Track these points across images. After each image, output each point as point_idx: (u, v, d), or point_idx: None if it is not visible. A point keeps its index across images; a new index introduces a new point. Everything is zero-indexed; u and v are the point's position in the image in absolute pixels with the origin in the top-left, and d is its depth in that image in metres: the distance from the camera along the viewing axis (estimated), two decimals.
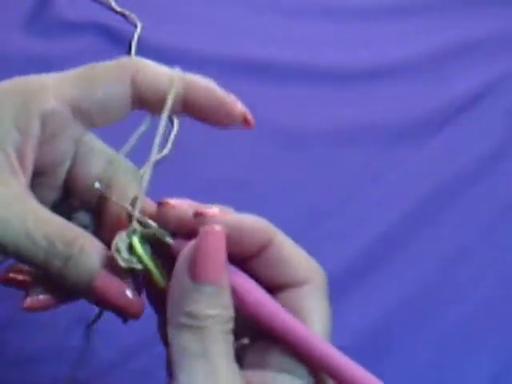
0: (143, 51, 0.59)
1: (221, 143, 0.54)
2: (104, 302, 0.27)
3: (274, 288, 0.27)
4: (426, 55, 0.66)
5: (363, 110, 0.59)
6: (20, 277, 0.29)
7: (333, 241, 0.48)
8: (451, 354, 0.44)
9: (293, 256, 0.27)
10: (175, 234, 0.27)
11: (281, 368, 0.26)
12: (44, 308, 0.29)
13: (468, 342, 0.44)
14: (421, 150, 0.57)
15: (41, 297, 0.28)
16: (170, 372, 0.25)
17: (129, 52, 0.59)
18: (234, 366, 0.25)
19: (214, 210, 0.26)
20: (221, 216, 0.26)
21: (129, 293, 0.27)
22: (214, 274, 0.25)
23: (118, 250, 0.27)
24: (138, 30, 0.60)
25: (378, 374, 0.42)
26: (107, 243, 0.27)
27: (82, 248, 0.27)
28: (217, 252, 0.25)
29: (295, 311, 0.26)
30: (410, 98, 0.61)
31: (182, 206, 0.27)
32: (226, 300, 0.25)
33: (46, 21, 0.60)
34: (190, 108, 0.30)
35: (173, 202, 0.27)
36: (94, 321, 0.31)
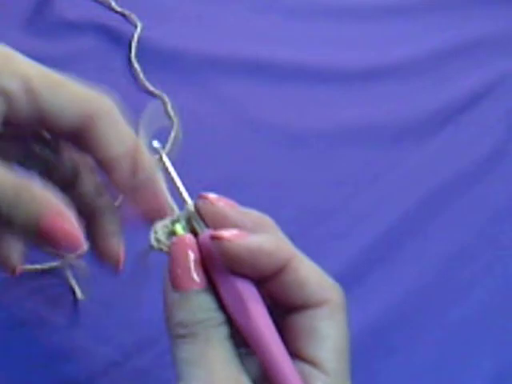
0: (143, 51, 0.59)
1: (221, 143, 0.54)
2: (51, 238, 0.27)
3: (290, 309, 0.27)
4: (426, 55, 0.66)
5: (363, 109, 0.59)
6: None
7: (333, 240, 0.48)
8: (452, 354, 0.44)
9: (309, 277, 0.27)
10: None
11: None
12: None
13: (469, 342, 0.44)
14: (421, 150, 0.57)
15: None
16: None
17: (129, 52, 0.58)
18: (235, 371, 0.25)
19: (230, 233, 0.26)
20: (237, 239, 0.25)
21: (74, 228, 0.28)
22: (187, 280, 0.25)
23: (155, 232, 0.28)
24: (138, 30, 0.60)
25: (379, 373, 0.42)
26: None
27: (28, 191, 0.27)
28: (185, 258, 0.26)
29: (309, 332, 0.26)
30: (410, 98, 0.61)
31: (218, 202, 0.28)
32: (212, 303, 0.26)
33: (46, 21, 0.60)
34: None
35: (211, 197, 0.28)
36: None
